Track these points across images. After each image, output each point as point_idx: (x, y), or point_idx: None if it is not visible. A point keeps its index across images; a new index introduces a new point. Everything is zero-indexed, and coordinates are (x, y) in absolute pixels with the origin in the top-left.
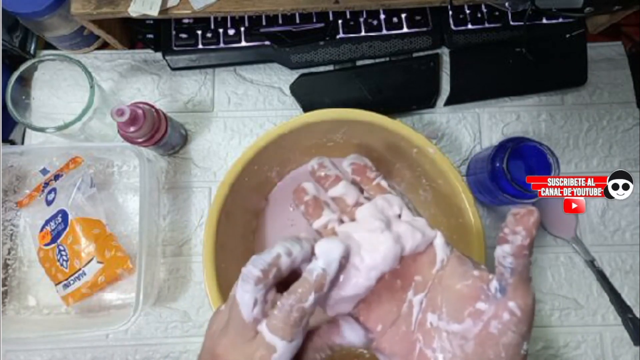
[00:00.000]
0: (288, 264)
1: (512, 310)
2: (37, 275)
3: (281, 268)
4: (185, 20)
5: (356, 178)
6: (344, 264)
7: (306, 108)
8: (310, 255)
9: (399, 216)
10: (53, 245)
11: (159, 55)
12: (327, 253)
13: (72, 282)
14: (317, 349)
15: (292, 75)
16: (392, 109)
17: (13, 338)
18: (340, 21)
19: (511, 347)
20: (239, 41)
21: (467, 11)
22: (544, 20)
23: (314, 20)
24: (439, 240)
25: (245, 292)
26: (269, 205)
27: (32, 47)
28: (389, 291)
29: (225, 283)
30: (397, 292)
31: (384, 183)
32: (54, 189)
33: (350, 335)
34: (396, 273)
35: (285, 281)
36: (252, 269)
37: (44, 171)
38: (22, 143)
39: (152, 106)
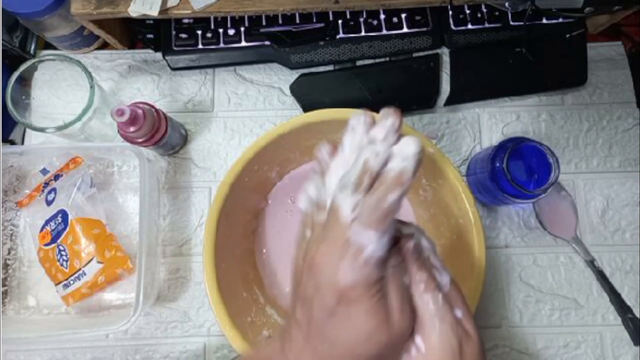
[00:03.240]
0: (379, 163)
1: (417, 345)
2: (37, 275)
3: (373, 170)
4: (185, 20)
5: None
6: (420, 158)
7: (306, 108)
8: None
9: None
10: (53, 245)
11: (159, 55)
12: (403, 150)
13: (72, 282)
14: (401, 271)
15: (292, 75)
16: None
17: (13, 338)
18: (340, 21)
19: None
20: (239, 41)
21: (467, 11)
22: (544, 20)
23: (314, 20)
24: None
25: (344, 198)
26: (269, 205)
27: (32, 47)
28: None
29: (225, 283)
30: None
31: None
32: (54, 189)
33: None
34: None
35: None
36: (351, 177)
37: (44, 171)
38: (22, 143)
39: (152, 106)
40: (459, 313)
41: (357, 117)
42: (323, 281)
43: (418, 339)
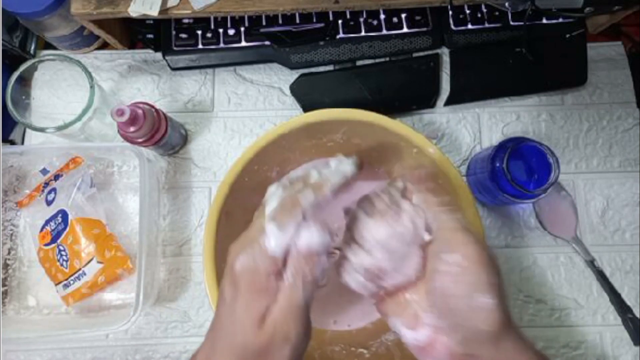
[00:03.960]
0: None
1: (455, 262)
2: (37, 275)
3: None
4: (185, 20)
5: None
6: (348, 182)
7: (306, 108)
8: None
9: None
10: (53, 245)
11: (159, 55)
12: (337, 165)
13: (72, 282)
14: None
15: (292, 75)
16: (392, 109)
17: (13, 338)
18: (340, 21)
19: (463, 300)
20: (239, 41)
21: (467, 11)
22: (544, 20)
23: (314, 20)
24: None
25: (272, 196)
26: None
27: (32, 47)
28: None
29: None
30: None
31: None
32: (54, 189)
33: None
34: None
35: None
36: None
37: (44, 171)
38: (22, 143)
39: (152, 106)
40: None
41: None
42: (228, 262)
43: (454, 257)
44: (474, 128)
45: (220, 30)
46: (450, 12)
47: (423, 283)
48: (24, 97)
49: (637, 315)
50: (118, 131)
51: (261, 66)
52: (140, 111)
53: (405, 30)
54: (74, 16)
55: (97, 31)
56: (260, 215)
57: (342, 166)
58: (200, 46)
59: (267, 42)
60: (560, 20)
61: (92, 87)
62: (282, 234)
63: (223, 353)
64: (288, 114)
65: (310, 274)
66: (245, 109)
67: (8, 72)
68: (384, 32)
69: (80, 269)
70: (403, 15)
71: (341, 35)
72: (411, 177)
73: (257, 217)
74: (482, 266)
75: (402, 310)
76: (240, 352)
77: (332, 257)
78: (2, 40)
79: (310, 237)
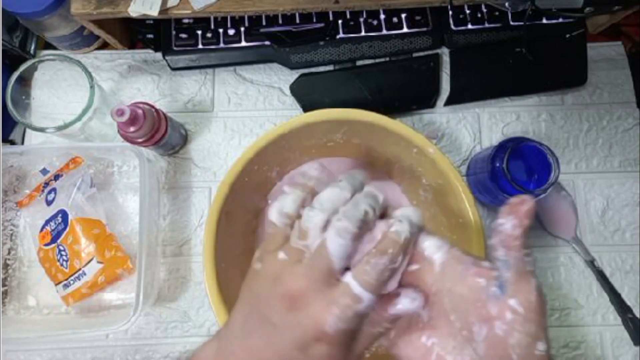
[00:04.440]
0: (373, 220)
1: (513, 309)
2: (37, 275)
3: (369, 224)
4: (185, 20)
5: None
6: (420, 231)
7: (306, 108)
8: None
9: None
10: (53, 245)
11: (159, 55)
12: (409, 217)
13: (72, 282)
14: (374, 324)
15: (292, 75)
16: (392, 109)
17: (13, 338)
18: (340, 21)
19: (521, 348)
20: (239, 41)
21: (467, 11)
22: (544, 20)
23: (314, 20)
24: (429, 243)
25: (340, 245)
26: (269, 205)
27: (32, 47)
28: None
29: (225, 283)
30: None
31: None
32: (54, 189)
33: (405, 301)
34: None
35: None
36: (349, 225)
37: (44, 171)
38: (22, 143)
39: (152, 106)
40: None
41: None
42: (302, 316)
43: (513, 302)
44: (474, 128)
45: (220, 30)
46: (450, 12)
47: (444, 324)
48: (24, 97)
49: (637, 315)
50: (118, 131)
51: (261, 66)
52: (140, 111)
53: (405, 30)
54: (74, 16)
55: (97, 31)
56: (318, 257)
57: (408, 211)
58: (200, 46)
59: (267, 42)
60: (560, 20)
61: (92, 87)
62: (370, 297)
63: None
64: (288, 114)
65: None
66: (245, 109)
67: (8, 72)
68: (384, 32)
69: (80, 269)
70: (403, 15)
71: (341, 35)
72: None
73: (312, 258)
74: (540, 314)
75: (421, 356)
76: None
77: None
78: (2, 40)
79: (408, 303)
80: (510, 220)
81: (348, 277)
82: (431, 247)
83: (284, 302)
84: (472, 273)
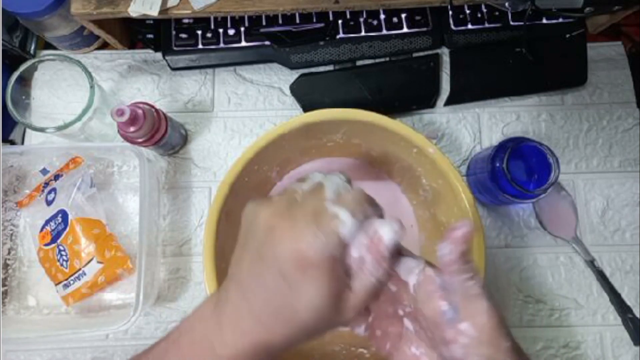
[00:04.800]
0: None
1: (466, 333)
2: (37, 275)
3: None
4: (185, 20)
5: None
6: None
7: (306, 108)
8: None
9: None
10: (53, 245)
11: (159, 55)
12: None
13: (72, 282)
14: (364, 270)
15: (292, 75)
16: (392, 109)
17: (13, 338)
18: (340, 21)
19: None
20: (239, 41)
21: (467, 11)
22: (544, 20)
23: (314, 20)
24: (403, 266)
25: (332, 182)
26: None
27: (32, 47)
28: (388, 300)
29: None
30: (393, 304)
31: None
32: (54, 189)
33: (386, 230)
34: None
35: None
36: (340, 176)
37: (44, 171)
38: (22, 143)
39: (152, 106)
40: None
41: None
42: (285, 242)
43: (464, 326)
44: (474, 128)
45: (220, 30)
46: (450, 12)
47: (427, 338)
48: (24, 97)
49: (637, 315)
50: (118, 131)
51: (261, 66)
52: (140, 111)
53: (405, 30)
54: (74, 16)
55: (97, 31)
56: (312, 197)
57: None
58: (200, 46)
59: (267, 42)
60: (560, 20)
61: (92, 87)
62: (354, 221)
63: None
64: (288, 114)
65: (386, 268)
66: (245, 109)
67: (8, 72)
68: (384, 32)
69: (80, 269)
70: (403, 15)
71: (341, 35)
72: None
73: (307, 198)
74: (494, 335)
75: None
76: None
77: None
78: (2, 40)
79: (390, 231)
80: (447, 245)
81: (331, 204)
82: (405, 270)
83: (269, 233)
84: (437, 296)
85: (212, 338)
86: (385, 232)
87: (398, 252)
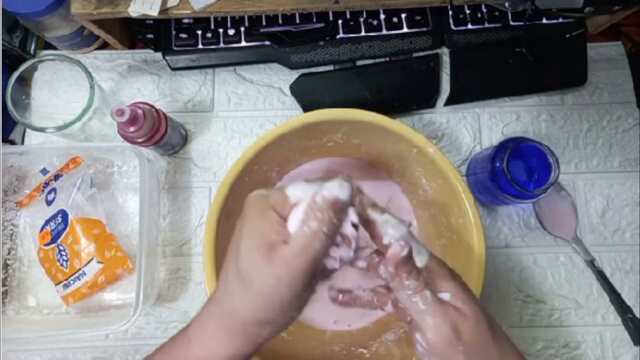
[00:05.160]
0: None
1: (419, 342)
2: (37, 275)
3: None
4: (185, 20)
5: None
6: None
7: (306, 108)
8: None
9: None
10: (53, 245)
11: (159, 55)
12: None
13: (72, 282)
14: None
15: (292, 75)
16: (392, 109)
17: (13, 338)
18: (340, 21)
19: None
20: (239, 41)
21: (467, 11)
22: (544, 20)
23: (314, 20)
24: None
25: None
26: None
27: (32, 47)
28: None
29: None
30: None
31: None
32: (54, 189)
33: (332, 186)
34: None
35: None
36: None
37: (44, 171)
38: (22, 143)
39: (152, 106)
40: (446, 296)
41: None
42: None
43: (418, 337)
44: (474, 128)
45: (220, 30)
46: (450, 12)
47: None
48: (24, 97)
49: (637, 315)
50: (118, 131)
51: (261, 66)
52: (140, 111)
53: (405, 30)
54: (74, 16)
55: (97, 31)
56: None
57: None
58: (200, 46)
59: (267, 42)
60: (560, 20)
61: (92, 87)
62: (305, 185)
63: (224, 276)
64: (288, 114)
65: (330, 225)
66: (245, 109)
67: (8, 72)
68: (384, 32)
69: (80, 269)
70: (403, 15)
71: (341, 35)
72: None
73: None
74: (444, 347)
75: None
76: (238, 278)
77: (364, 250)
78: (2, 40)
79: (336, 188)
80: (382, 267)
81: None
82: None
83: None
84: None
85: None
86: (328, 189)
87: (381, 210)
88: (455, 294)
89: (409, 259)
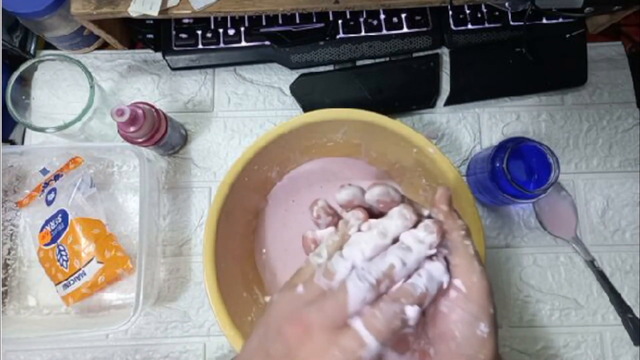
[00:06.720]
0: (401, 275)
1: (457, 287)
2: (37, 275)
3: (394, 279)
4: (185, 20)
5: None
6: (443, 289)
7: (306, 108)
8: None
9: None
10: (53, 245)
11: (159, 55)
12: (431, 274)
13: (72, 282)
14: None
15: (292, 75)
16: (392, 109)
17: (13, 338)
18: (340, 21)
19: (463, 326)
20: (239, 41)
21: (467, 11)
22: (544, 20)
23: (314, 20)
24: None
25: (358, 289)
26: (268, 205)
27: (32, 47)
28: None
29: (225, 283)
30: None
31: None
32: (54, 189)
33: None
34: None
35: None
36: (368, 275)
37: (44, 171)
38: (22, 143)
39: (152, 106)
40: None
41: (405, 211)
42: (301, 353)
43: (457, 282)
44: (474, 128)
45: (220, 30)
46: (450, 12)
47: None
48: (24, 97)
49: (637, 315)
50: (118, 131)
51: (261, 66)
52: (140, 111)
53: (405, 30)
54: (74, 16)
55: (97, 31)
56: (333, 302)
57: (437, 272)
58: (200, 46)
59: (267, 42)
60: (560, 20)
61: (92, 87)
62: (378, 345)
63: None
64: (288, 114)
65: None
66: (245, 109)
67: (8, 72)
68: (384, 32)
69: (80, 269)
70: (403, 15)
71: (341, 35)
72: (436, 200)
73: (326, 300)
74: (482, 296)
75: None
76: None
77: None
78: (2, 40)
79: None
80: (433, 209)
81: (357, 321)
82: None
83: (286, 336)
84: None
85: None
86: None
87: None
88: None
89: (449, 203)
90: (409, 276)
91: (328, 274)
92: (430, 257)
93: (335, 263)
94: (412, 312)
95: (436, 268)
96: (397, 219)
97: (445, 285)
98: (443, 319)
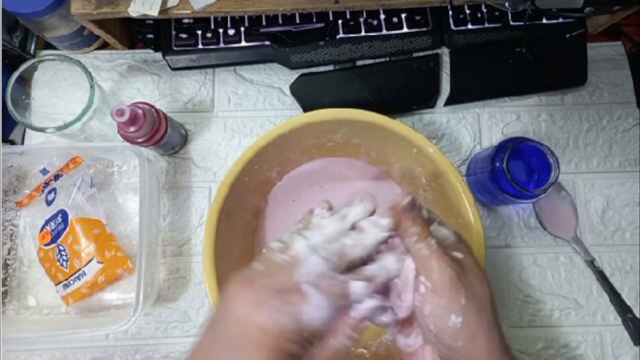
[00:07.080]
0: (356, 254)
1: (423, 283)
2: (37, 275)
3: (347, 257)
4: (185, 20)
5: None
6: (409, 282)
7: (306, 108)
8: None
9: None
10: (53, 245)
11: (159, 55)
12: (383, 262)
13: (72, 282)
14: (336, 334)
15: (292, 75)
16: (392, 109)
17: (13, 338)
18: (340, 21)
19: (434, 318)
20: (239, 41)
21: (467, 11)
22: (544, 20)
23: (314, 20)
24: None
25: (310, 261)
26: (268, 205)
27: (32, 47)
28: None
29: (225, 283)
30: None
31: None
32: (54, 189)
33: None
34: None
35: None
36: (322, 250)
37: (44, 171)
38: (22, 143)
39: (152, 106)
40: (459, 255)
41: (365, 200)
42: (239, 312)
43: (422, 278)
44: (474, 128)
45: (220, 30)
46: (450, 12)
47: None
48: (24, 97)
49: (637, 315)
50: (118, 131)
51: (261, 66)
52: (140, 111)
53: (405, 30)
54: (74, 16)
55: (97, 31)
56: (284, 272)
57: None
58: (200, 46)
59: (267, 42)
60: (560, 20)
61: (92, 87)
62: (329, 306)
63: None
64: (288, 114)
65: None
66: (245, 109)
67: (8, 72)
68: (384, 32)
69: (80, 269)
70: (403, 15)
71: (341, 35)
72: (391, 211)
73: (280, 270)
74: (447, 288)
75: None
76: None
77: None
78: (2, 40)
79: (371, 308)
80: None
81: (304, 285)
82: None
83: (231, 302)
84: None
85: None
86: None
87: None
88: (468, 256)
89: (412, 208)
90: (364, 262)
91: (285, 250)
92: (389, 251)
93: (293, 240)
94: (356, 287)
95: (389, 258)
96: (357, 205)
97: (393, 274)
98: (419, 313)
